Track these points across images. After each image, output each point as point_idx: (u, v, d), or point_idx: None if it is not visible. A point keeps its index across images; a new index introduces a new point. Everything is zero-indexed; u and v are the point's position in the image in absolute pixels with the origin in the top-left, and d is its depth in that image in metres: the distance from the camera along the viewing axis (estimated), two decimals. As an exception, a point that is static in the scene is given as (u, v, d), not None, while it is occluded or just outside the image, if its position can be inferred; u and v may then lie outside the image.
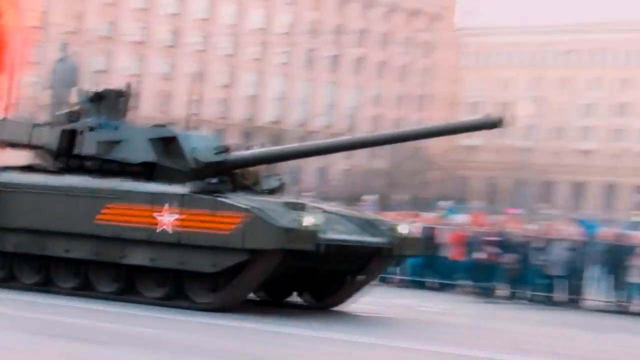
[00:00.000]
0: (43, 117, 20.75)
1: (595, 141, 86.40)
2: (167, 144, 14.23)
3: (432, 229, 19.40)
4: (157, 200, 13.19)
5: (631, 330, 16.17)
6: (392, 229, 14.09)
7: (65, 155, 14.55)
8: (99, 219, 13.54)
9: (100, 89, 15.20)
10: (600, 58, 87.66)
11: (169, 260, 13.18)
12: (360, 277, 14.54)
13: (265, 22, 73.94)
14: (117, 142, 14.25)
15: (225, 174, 14.02)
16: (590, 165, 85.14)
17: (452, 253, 19.27)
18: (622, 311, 18.19)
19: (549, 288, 18.71)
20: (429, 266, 19.44)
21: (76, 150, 14.35)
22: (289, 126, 70.64)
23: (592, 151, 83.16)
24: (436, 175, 71.04)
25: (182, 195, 13.13)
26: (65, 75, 21.15)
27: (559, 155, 79.71)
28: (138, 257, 13.44)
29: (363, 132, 69.10)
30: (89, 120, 14.42)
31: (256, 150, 15.71)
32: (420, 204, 35.86)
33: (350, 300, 14.71)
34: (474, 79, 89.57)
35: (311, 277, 14.14)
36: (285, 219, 12.61)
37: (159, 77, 70.10)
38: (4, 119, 16.18)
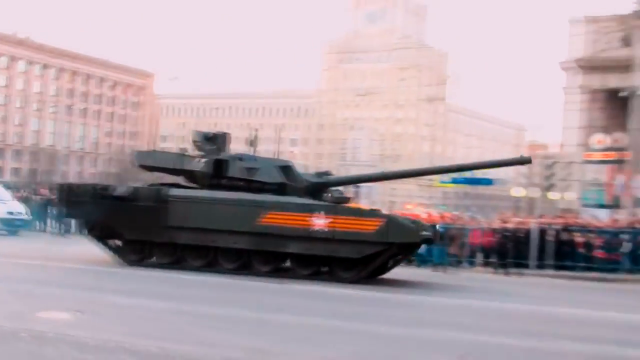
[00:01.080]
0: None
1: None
2: (288, 170, 16.20)
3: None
4: (312, 208, 14.89)
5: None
6: (432, 226, 16.36)
7: (217, 177, 16.18)
8: (263, 221, 15.16)
9: (214, 131, 17.05)
10: (235, 112, 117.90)
11: (323, 249, 14.93)
12: (404, 258, 17.00)
13: (42, 89, 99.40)
14: (257, 169, 16.04)
15: (324, 191, 16.17)
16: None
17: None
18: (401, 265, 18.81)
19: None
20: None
21: (229, 174, 16.03)
22: (62, 148, 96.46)
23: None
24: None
25: (332, 205, 15.14)
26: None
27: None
28: (296, 247, 15.18)
29: (102, 151, 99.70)
30: (236, 154, 16.51)
31: (347, 175, 18.89)
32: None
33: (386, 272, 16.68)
34: (166, 123, 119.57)
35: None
36: (407, 221, 14.79)
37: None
38: (155, 151, 17.89)
